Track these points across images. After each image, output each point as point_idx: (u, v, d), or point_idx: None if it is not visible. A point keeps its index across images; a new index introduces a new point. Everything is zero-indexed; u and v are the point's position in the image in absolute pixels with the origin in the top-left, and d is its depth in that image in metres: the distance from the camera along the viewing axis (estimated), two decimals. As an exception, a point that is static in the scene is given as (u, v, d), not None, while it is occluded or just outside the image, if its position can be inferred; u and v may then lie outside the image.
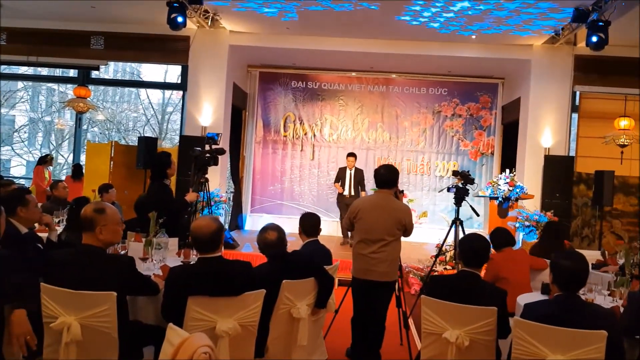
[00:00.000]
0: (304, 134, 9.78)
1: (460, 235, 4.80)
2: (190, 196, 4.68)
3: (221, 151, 5.12)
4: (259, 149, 9.89)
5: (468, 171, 4.89)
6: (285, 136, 9.83)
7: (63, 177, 12.18)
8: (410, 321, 4.69)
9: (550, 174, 7.48)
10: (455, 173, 4.83)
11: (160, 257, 3.52)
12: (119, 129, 17.32)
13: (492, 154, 9.40)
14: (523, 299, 3.42)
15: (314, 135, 9.76)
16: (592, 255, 4.97)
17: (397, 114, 9.62)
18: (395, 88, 9.66)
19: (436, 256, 5.42)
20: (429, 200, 9.44)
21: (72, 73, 10.57)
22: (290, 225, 9.88)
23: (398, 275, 3.82)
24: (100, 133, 18.61)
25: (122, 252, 3.53)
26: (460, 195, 4.68)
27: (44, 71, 13.46)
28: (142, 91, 18.18)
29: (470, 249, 2.90)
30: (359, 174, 8.09)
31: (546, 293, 3.59)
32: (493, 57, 8.17)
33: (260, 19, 7.79)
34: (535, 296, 3.59)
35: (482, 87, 9.46)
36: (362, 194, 7.95)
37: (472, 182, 4.72)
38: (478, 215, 5.16)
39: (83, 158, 10.24)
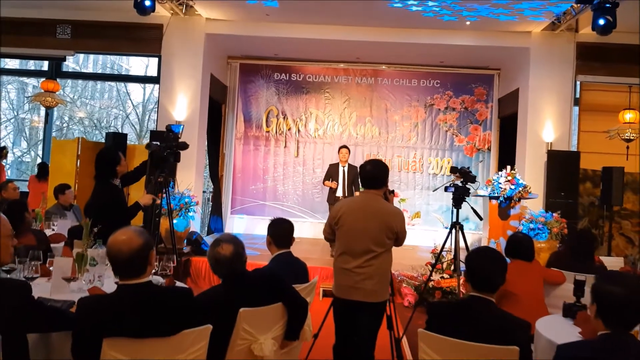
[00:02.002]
0: (288, 129, 9.12)
1: (461, 241, 4.17)
2: (144, 199, 4.03)
3: (183, 145, 4.45)
4: (240, 145, 9.22)
5: (468, 168, 4.25)
6: (267, 132, 9.17)
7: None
8: (404, 343, 4.05)
9: (554, 171, 6.88)
10: (453, 170, 4.19)
11: (93, 276, 2.85)
12: (97, 126, 16.52)
13: (489, 149, 8.81)
14: (544, 326, 2.80)
15: (298, 131, 9.11)
16: (610, 263, 4.38)
17: (386, 108, 9.00)
18: (384, 80, 9.03)
19: (433, 265, 4.79)
20: (422, 200, 8.82)
21: (45, 66, 9.86)
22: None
23: (389, 293, 3.18)
24: (84, 130, 17.81)
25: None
26: (459, 195, 4.04)
27: (11, 64, 12.65)
28: (124, 87, 17.41)
29: (481, 268, 2.26)
30: (353, 171, 6.95)
31: (570, 316, 2.98)
32: (489, 45, 7.56)
33: (239, 5, 7.14)
34: (558, 321, 2.97)
35: (477, 79, 8.86)
36: (356, 194, 6.89)
37: (473, 180, 4.09)
38: (481, 218, 4.54)
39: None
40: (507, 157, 8.13)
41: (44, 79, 8.96)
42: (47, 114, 9.83)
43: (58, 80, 9.31)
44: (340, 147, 7.13)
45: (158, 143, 4.29)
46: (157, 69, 8.41)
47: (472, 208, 4.22)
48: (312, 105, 9.12)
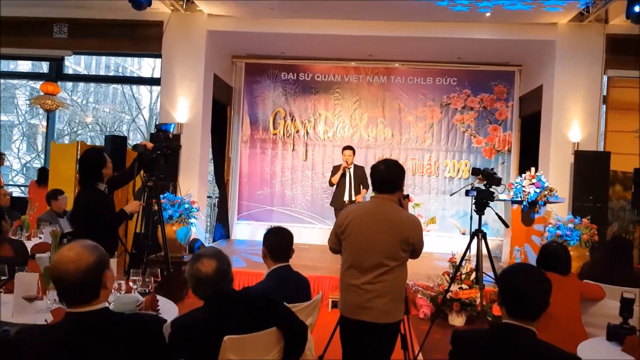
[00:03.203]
0: (296, 131, 8.71)
1: (484, 249, 3.70)
2: (131, 206, 3.65)
3: (173, 146, 4.05)
4: (246, 149, 8.82)
5: (492, 169, 3.78)
6: (274, 134, 8.76)
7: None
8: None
9: (582, 173, 6.37)
10: (475, 171, 3.73)
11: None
12: (103, 131, 16.29)
13: (509, 151, 8.29)
14: (588, 353, 2.34)
15: (307, 133, 8.69)
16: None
17: (400, 108, 8.54)
18: (397, 78, 8.58)
19: (453, 276, 4.32)
20: (438, 205, 8.32)
21: (45, 68, 9.63)
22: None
23: (403, 311, 2.73)
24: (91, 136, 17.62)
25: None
26: (482, 200, 3.58)
27: (12, 66, 12.46)
28: (130, 91, 17.17)
29: (520, 291, 1.81)
30: (359, 172, 6.51)
31: (616, 340, 2.53)
32: (511, 38, 7.06)
33: (242, 0, 6.76)
34: (602, 345, 2.52)
35: (496, 76, 8.36)
36: (362, 193, 6.36)
37: (498, 182, 3.63)
38: (507, 226, 4.07)
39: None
40: (529, 159, 7.63)
41: (43, 82, 8.70)
42: (48, 118, 9.55)
43: (60, 83, 9.06)
44: (344, 148, 6.62)
45: (145, 144, 3.91)
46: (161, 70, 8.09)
47: (497, 215, 3.75)
48: (321, 106, 8.70)
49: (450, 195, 7.40)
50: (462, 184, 8.20)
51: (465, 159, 8.37)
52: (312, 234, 8.17)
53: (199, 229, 7.32)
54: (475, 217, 3.65)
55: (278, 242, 2.74)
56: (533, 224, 5.59)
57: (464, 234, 7.93)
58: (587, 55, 6.83)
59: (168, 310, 2.71)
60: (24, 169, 17.20)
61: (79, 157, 7.58)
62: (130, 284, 2.84)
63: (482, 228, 3.77)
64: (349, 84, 8.65)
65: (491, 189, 3.61)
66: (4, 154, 8.43)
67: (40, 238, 4.68)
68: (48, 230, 4.67)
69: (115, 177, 3.92)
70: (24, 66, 14.93)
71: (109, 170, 3.67)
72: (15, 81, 17.05)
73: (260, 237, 8.59)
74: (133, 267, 4.00)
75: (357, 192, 6.31)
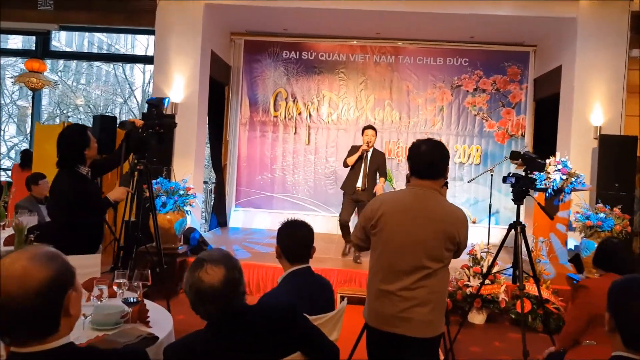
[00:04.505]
0: (298, 113, 8.22)
1: (523, 247, 3.28)
2: (116, 193, 3.18)
3: (167, 123, 3.56)
4: (245, 131, 8.33)
5: (533, 152, 3.35)
6: (275, 116, 8.27)
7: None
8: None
9: (607, 159, 5.95)
10: (514, 155, 3.29)
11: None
12: (93, 113, 15.71)
13: (523, 135, 7.86)
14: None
15: (310, 116, 8.21)
16: None
17: (408, 89, 8.06)
18: (406, 58, 8.08)
19: (485, 275, 3.90)
20: (448, 192, 7.83)
21: (23, 43, 9.05)
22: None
23: (444, 322, 2.30)
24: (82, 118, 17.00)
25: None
26: (521, 189, 3.14)
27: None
28: (122, 72, 16.53)
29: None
30: (378, 158, 5.77)
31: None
32: (529, 15, 6.58)
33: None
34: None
35: (510, 56, 7.89)
36: (380, 182, 5.63)
37: (540, 168, 3.20)
38: (551, 217, 3.64)
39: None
40: (543, 144, 7.21)
41: (27, 59, 8.16)
42: (33, 97, 9.00)
43: (48, 62, 8.52)
44: (365, 128, 5.81)
45: (134, 121, 3.41)
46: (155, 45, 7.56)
47: (540, 205, 3.32)
48: (325, 87, 8.20)
49: (468, 182, 6.98)
50: (472, 169, 7.79)
51: (476, 143, 7.93)
52: (315, 222, 7.52)
53: (195, 217, 6.86)
54: (511, 206, 3.22)
55: (295, 239, 2.27)
56: (557, 212, 5.17)
57: (474, 222, 7.52)
58: (611, 34, 6.37)
59: (161, 321, 2.26)
60: (12, 152, 16.60)
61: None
62: (115, 288, 2.37)
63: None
64: (355, 63, 8.15)
65: (532, 176, 3.17)
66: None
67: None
68: (25, 219, 4.22)
69: (100, 160, 3.45)
70: (16, 43, 14.24)
71: (92, 151, 3.19)
72: (2, 60, 16.32)
73: (259, 225, 8.13)
74: (121, 263, 3.57)
75: (371, 179, 5.74)
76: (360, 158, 5.68)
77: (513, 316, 4.65)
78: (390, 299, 2.16)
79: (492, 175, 6.55)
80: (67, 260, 1.24)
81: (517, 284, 3.28)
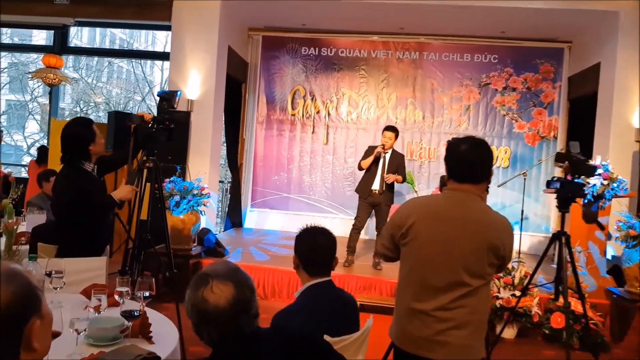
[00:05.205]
0: (316, 112, 7.92)
1: (567, 258, 2.92)
2: (122, 191, 2.93)
3: (179, 118, 3.29)
4: (262, 130, 8.07)
5: (579, 154, 2.99)
6: (293, 115, 7.99)
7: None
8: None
9: (649, 164, 5.53)
10: (560, 157, 2.93)
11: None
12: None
13: (555, 137, 7.43)
14: None
15: (328, 114, 7.91)
16: None
17: (432, 88, 7.70)
18: (430, 55, 7.72)
19: (524, 288, 3.54)
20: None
21: (46, 40, 8.98)
22: (299, 224, 8.03)
23: (484, 346, 1.98)
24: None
25: None
26: (567, 195, 2.79)
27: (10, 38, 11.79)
28: (141, 70, 16.46)
29: None
30: (397, 161, 5.44)
31: None
32: (567, 8, 6.17)
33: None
34: None
35: (542, 53, 7.47)
36: (397, 179, 5.36)
37: (591, 172, 2.85)
38: (602, 228, 3.28)
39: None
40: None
41: (44, 54, 8.04)
42: (50, 93, 8.88)
43: (68, 60, 8.40)
44: (385, 129, 5.48)
45: (143, 115, 3.16)
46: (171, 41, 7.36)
47: (596, 221, 2.96)
48: (345, 85, 7.89)
49: (498, 186, 6.59)
50: (500, 173, 7.38)
51: (505, 145, 7.52)
52: (332, 224, 7.29)
53: (210, 217, 6.62)
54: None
55: (314, 249, 1.96)
56: (596, 220, 4.76)
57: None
58: (656, 28, 5.94)
59: (165, 335, 2.00)
60: (32, 149, 16.70)
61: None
62: (116, 297, 2.11)
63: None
64: (377, 60, 7.81)
65: (579, 182, 2.81)
66: (1, 132, 7.83)
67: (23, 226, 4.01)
68: (31, 218, 4.00)
69: (108, 157, 3.21)
70: (38, 41, 14.24)
71: (98, 147, 2.96)
72: (24, 58, 16.42)
73: (272, 226, 7.84)
74: (130, 265, 3.31)
75: (389, 183, 5.38)
76: (377, 160, 5.36)
77: (547, 331, 4.28)
78: (423, 320, 1.85)
79: (524, 179, 6.16)
80: (30, 281, 0.98)
81: (555, 298, 2.93)
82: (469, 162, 1.90)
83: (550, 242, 2.99)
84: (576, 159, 2.83)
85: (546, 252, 3.05)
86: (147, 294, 2.06)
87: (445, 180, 2.04)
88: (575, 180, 2.81)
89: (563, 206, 2.82)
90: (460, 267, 1.82)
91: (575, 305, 3.93)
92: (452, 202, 1.90)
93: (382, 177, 5.34)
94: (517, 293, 4.36)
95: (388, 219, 2.09)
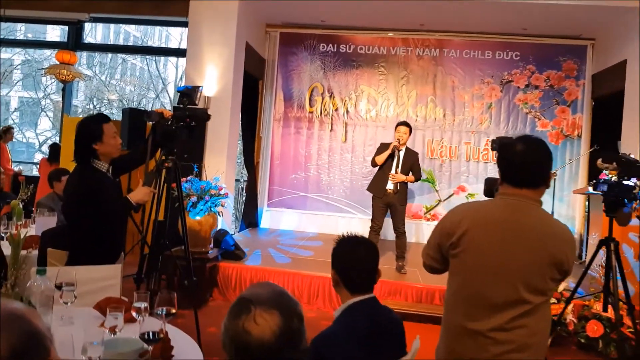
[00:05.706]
0: (335, 109, 7.79)
1: (615, 266, 2.76)
2: (139, 194, 2.77)
3: (202, 115, 3.16)
4: (279, 128, 7.95)
5: (629, 154, 2.83)
6: (311, 112, 7.86)
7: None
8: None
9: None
10: (607, 159, 2.78)
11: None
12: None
13: (579, 136, 7.23)
14: None
15: (347, 112, 7.77)
16: None
17: (453, 85, 7.53)
18: (451, 51, 7.55)
19: (568, 300, 3.38)
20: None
21: (60, 36, 8.91)
22: (317, 224, 7.99)
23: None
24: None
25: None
26: (615, 198, 2.63)
27: (23, 34, 11.75)
28: (155, 67, 16.40)
29: None
30: (411, 158, 5.32)
31: None
32: (590, 4, 5.98)
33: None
34: None
35: (566, 50, 7.27)
36: (409, 179, 5.32)
37: (639, 172, 2.67)
38: None
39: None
40: (602, 145, 6.58)
41: (58, 50, 7.98)
42: (63, 90, 8.82)
43: (83, 57, 8.34)
44: (398, 124, 5.37)
45: (162, 111, 3.01)
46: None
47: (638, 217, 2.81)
48: (364, 82, 7.74)
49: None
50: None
51: (527, 144, 7.33)
52: (351, 224, 7.27)
53: (226, 217, 6.51)
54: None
55: (357, 262, 1.82)
56: (629, 221, 4.58)
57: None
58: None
59: (186, 356, 1.84)
60: (44, 146, 16.74)
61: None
62: (134, 314, 1.91)
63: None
64: (396, 57, 7.66)
65: (629, 184, 2.66)
66: (13, 129, 7.75)
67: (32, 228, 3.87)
68: (41, 220, 3.82)
69: (123, 156, 3.01)
70: (52, 38, 14.23)
71: (106, 147, 2.76)
72: (37, 55, 16.42)
73: (287, 226, 7.71)
74: (146, 271, 3.18)
75: (404, 182, 5.24)
76: (391, 157, 5.22)
77: (582, 340, 4.11)
78: (477, 341, 1.71)
79: (555, 180, 5.99)
80: (34, 326, 0.78)
81: (604, 309, 2.77)
82: (527, 164, 1.75)
83: (597, 249, 2.84)
84: (626, 160, 2.67)
85: (592, 260, 2.90)
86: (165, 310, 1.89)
87: (491, 183, 1.88)
88: (624, 182, 2.65)
89: (611, 210, 2.67)
90: (520, 282, 1.68)
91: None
92: (509, 209, 1.76)
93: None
94: (553, 300, 4.19)
95: (435, 225, 1.93)
